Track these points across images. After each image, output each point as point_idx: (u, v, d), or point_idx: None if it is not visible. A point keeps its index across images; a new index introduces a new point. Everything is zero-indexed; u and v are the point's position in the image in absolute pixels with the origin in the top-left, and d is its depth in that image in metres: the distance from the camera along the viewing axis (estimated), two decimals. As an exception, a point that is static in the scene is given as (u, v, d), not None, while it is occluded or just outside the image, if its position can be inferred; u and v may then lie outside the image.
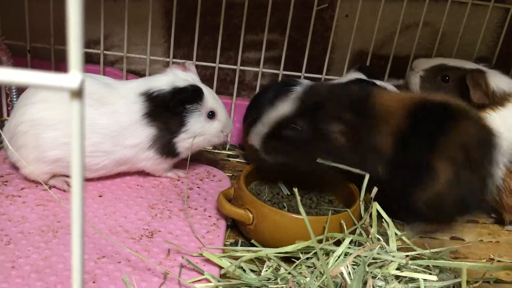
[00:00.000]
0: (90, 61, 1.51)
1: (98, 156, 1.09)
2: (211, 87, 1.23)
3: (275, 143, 1.06)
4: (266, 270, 0.92)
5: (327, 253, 0.94)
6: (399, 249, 0.97)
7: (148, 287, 0.87)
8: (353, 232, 1.00)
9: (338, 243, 0.96)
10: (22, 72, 0.31)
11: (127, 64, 1.46)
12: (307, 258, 0.93)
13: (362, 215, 1.03)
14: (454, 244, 1.12)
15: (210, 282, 0.88)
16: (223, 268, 0.92)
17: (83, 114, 0.33)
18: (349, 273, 0.85)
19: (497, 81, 1.23)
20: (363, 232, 0.99)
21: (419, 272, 0.89)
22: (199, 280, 0.89)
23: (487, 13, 1.47)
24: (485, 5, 1.47)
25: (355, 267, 0.88)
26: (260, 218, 1.00)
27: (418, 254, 0.96)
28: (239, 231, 1.09)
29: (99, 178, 1.16)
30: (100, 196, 1.12)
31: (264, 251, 0.93)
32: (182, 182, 1.23)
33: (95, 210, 1.07)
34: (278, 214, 0.99)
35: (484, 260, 1.11)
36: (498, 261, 1.11)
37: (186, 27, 1.49)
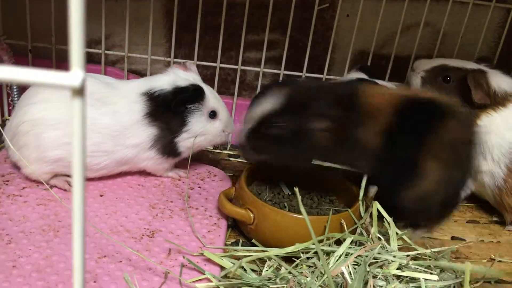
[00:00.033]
0: (91, 61, 1.51)
1: (99, 156, 1.09)
2: (212, 87, 1.23)
3: (258, 141, 1.04)
4: (267, 270, 0.92)
5: (328, 253, 0.94)
6: (400, 249, 0.97)
7: (149, 286, 0.87)
8: (354, 232, 1.00)
9: (339, 242, 0.96)
10: (23, 70, 0.31)
11: (128, 64, 1.46)
12: (308, 258, 0.93)
13: (362, 214, 1.03)
14: (455, 244, 1.12)
15: (211, 281, 0.88)
16: (224, 267, 0.92)
17: (85, 112, 0.33)
18: (350, 273, 0.85)
19: (499, 81, 1.22)
20: (364, 231, 0.99)
21: (420, 271, 0.89)
22: (200, 280, 0.89)
23: (488, 13, 1.47)
24: (487, 5, 1.47)
25: (356, 267, 0.88)
26: (261, 218, 1.00)
27: (419, 253, 0.96)
28: (240, 231, 1.09)
29: (100, 178, 1.16)
30: (101, 196, 1.12)
31: (270, 252, 0.93)
32: (183, 182, 1.23)
33: (96, 210, 1.07)
34: (279, 214, 0.99)
35: (485, 260, 1.11)
36: (499, 261, 1.10)
37: (187, 27, 1.49)
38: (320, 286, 0.85)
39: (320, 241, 0.95)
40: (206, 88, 1.15)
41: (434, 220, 1.14)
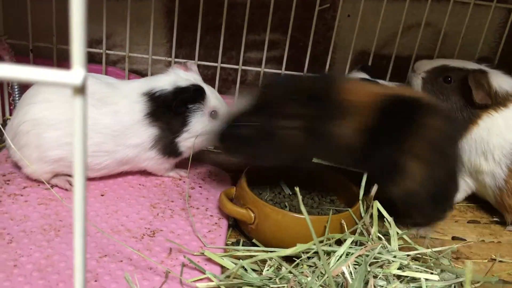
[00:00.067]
0: (92, 60, 1.51)
1: (100, 156, 1.10)
2: (213, 87, 1.23)
3: (228, 141, 1.04)
4: (268, 270, 0.92)
5: (329, 253, 0.94)
6: (400, 249, 0.97)
7: (149, 286, 0.87)
8: (354, 232, 1.00)
9: (339, 242, 0.96)
10: (25, 68, 0.31)
11: (129, 63, 1.46)
12: (309, 258, 0.93)
13: (362, 214, 1.03)
14: (455, 244, 1.12)
15: (212, 281, 0.88)
16: (224, 267, 0.92)
17: (86, 111, 0.33)
18: (351, 272, 0.85)
19: (500, 81, 1.22)
20: (364, 231, 0.99)
21: (420, 271, 0.89)
22: (200, 279, 0.89)
23: (489, 13, 1.47)
24: (487, 5, 1.47)
25: (356, 266, 0.88)
26: (261, 217, 1.00)
27: (419, 253, 0.96)
28: (240, 231, 1.09)
29: (101, 178, 1.17)
30: (102, 195, 1.13)
31: (272, 253, 0.93)
32: (184, 182, 1.23)
33: (97, 209, 1.07)
34: (279, 213, 0.99)
35: (486, 260, 1.11)
36: (500, 261, 1.10)
37: (188, 27, 1.49)
38: (320, 286, 0.85)
39: (321, 241, 0.95)
40: (207, 88, 1.15)
41: (429, 217, 1.13)
